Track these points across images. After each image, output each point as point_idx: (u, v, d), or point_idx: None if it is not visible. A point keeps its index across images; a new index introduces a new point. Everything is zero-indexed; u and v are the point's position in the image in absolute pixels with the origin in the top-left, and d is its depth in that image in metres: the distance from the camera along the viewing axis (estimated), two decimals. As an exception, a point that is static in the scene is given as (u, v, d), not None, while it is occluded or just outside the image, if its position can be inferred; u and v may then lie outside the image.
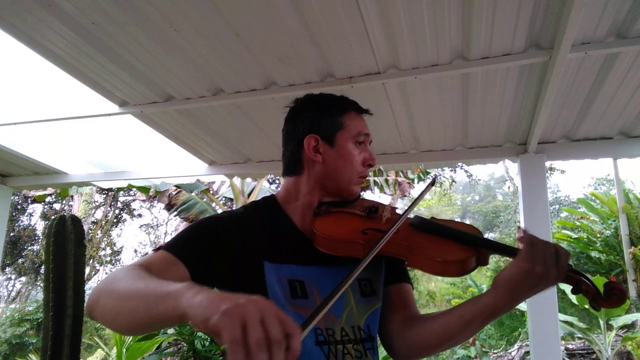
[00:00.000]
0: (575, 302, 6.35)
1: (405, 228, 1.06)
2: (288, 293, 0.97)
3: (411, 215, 1.09)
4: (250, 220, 1.08)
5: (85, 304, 0.86)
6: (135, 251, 17.21)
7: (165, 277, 0.83)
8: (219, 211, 7.35)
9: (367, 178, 1.21)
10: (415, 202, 1.12)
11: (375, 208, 1.11)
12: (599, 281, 5.77)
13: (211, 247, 0.98)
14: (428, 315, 1.06)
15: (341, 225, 1.05)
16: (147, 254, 17.01)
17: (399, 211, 1.15)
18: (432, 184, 1.26)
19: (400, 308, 1.12)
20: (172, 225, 17.53)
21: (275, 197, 1.16)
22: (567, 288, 6.92)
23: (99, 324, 11.81)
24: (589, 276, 0.92)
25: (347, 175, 1.10)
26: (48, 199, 13.37)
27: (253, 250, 1.01)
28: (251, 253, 1.00)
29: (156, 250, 0.97)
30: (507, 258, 0.98)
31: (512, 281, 0.90)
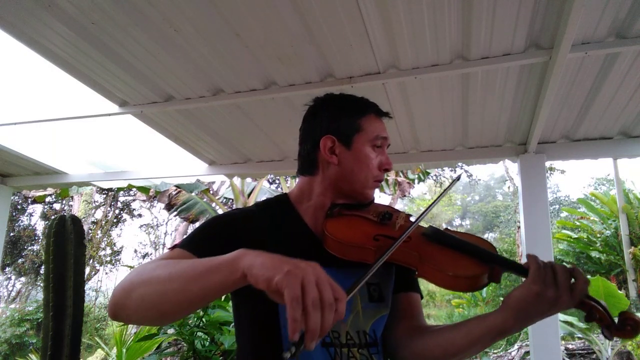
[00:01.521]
0: (575, 302, 6.34)
1: (417, 237, 1.03)
2: None
3: (425, 225, 1.08)
4: (261, 218, 1.07)
5: (109, 306, 0.85)
6: (135, 251, 17.23)
7: None
8: (219, 211, 7.35)
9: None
10: (436, 201, 1.12)
11: (389, 214, 1.08)
12: (599, 282, 5.76)
13: (225, 243, 0.97)
14: (434, 327, 1.04)
15: (353, 229, 1.03)
16: (147, 254, 17.01)
17: (413, 219, 1.13)
18: (457, 179, 1.24)
19: (408, 317, 1.10)
20: (172, 225, 17.56)
21: (288, 196, 1.15)
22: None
23: (99, 324, 11.80)
24: (604, 303, 0.89)
25: (362, 179, 1.09)
26: (48, 199, 13.37)
27: (262, 249, 1.01)
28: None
29: (172, 248, 0.97)
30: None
31: (522, 303, 0.87)
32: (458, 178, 1.27)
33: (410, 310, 1.11)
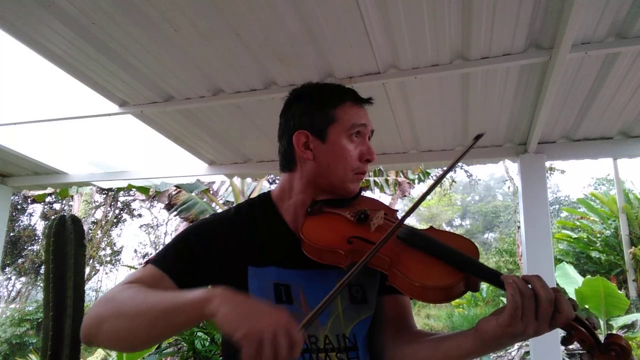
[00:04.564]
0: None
1: (392, 240, 0.93)
2: (272, 298, 0.95)
3: (407, 220, 0.97)
4: (241, 221, 1.05)
5: (81, 332, 0.87)
6: (135, 251, 17.24)
7: None
8: (219, 211, 7.35)
9: (367, 177, 1.13)
10: (431, 187, 1.01)
11: (365, 214, 0.99)
12: (599, 282, 5.75)
13: (197, 258, 0.97)
14: (419, 337, 0.98)
15: (328, 231, 0.98)
16: (147, 254, 17.01)
17: (398, 215, 1.04)
18: (477, 138, 1.04)
19: (393, 322, 1.04)
20: (172, 225, 17.56)
21: (270, 195, 1.12)
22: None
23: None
24: (591, 321, 0.79)
25: (340, 173, 1.02)
26: (48, 199, 13.38)
27: (239, 254, 0.99)
28: (236, 258, 0.98)
29: (145, 263, 0.97)
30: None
31: (496, 340, 0.80)
32: (478, 137, 1.06)
33: (398, 314, 1.05)
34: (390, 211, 1.06)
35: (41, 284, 10.00)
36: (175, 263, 0.96)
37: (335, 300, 0.98)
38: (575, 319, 0.78)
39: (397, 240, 0.95)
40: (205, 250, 0.98)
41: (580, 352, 6.61)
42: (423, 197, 1.00)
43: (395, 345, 1.00)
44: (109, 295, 0.87)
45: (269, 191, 1.13)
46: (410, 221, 1.04)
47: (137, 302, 0.81)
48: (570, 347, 6.78)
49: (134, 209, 16.46)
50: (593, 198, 10.34)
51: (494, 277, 0.84)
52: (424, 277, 0.86)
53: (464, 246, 0.93)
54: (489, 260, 14.62)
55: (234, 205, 1.15)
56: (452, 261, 0.88)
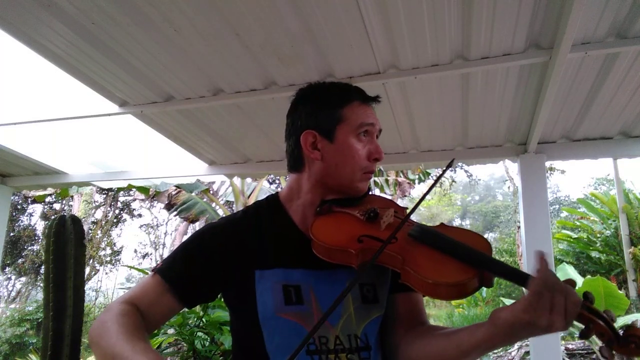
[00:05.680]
0: (575, 302, 6.34)
1: (403, 237, 0.94)
2: (281, 299, 0.94)
3: (414, 218, 0.97)
4: (248, 224, 1.04)
5: (88, 336, 0.93)
6: (135, 251, 17.25)
7: (156, 310, 0.95)
8: (219, 211, 7.35)
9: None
10: (427, 192, 1.04)
11: (375, 212, 0.99)
12: (599, 282, 5.74)
13: (200, 268, 0.98)
14: (431, 332, 0.98)
15: (338, 230, 0.97)
16: (147, 254, 17.00)
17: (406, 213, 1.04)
18: (449, 165, 1.09)
19: (406, 319, 1.03)
20: (172, 225, 17.57)
21: (278, 196, 1.11)
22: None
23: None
24: (609, 314, 0.79)
25: (349, 173, 1.02)
26: (48, 199, 13.38)
27: (244, 259, 0.99)
28: (242, 263, 0.98)
29: (153, 271, 0.98)
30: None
31: (510, 328, 0.80)
32: (450, 165, 1.12)
33: (410, 312, 1.04)
34: (400, 209, 1.06)
35: (41, 284, 10.00)
36: (180, 275, 0.97)
37: (347, 300, 0.98)
38: (592, 312, 0.78)
39: (408, 237, 0.94)
40: (209, 259, 0.98)
41: (581, 352, 6.62)
42: (405, 219, 0.99)
43: (408, 341, 0.99)
44: (104, 318, 0.90)
45: (277, 192, 1.13)
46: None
47: (109, 344, 0.84)
48: (571, 347, 6.78)
49: (134, 209, 16.45)
50: (593, 198, 10.34)
51: (508, 272, 0.84)
52: (437, 274, 0.85)
53: (475, 242, 0.93)
54: (489, 260, 14.63)
55: (244, 207, 1.15)
56: (464, 257, 0.88)
